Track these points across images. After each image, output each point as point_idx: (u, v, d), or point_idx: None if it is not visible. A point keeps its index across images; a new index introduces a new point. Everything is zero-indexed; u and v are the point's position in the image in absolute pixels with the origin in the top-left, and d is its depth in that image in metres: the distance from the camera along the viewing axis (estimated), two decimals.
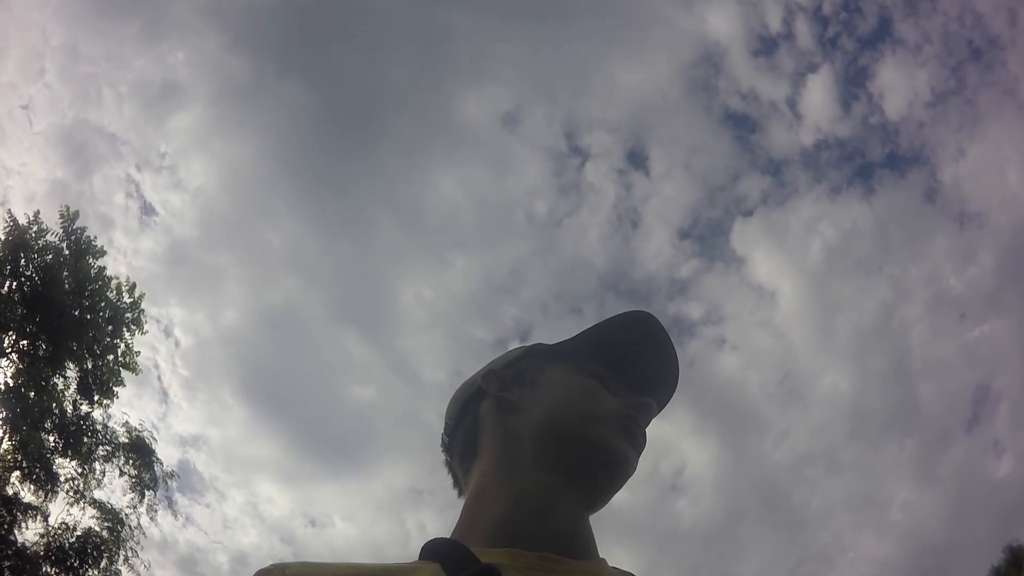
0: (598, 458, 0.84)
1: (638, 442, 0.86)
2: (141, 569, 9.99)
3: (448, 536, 0.82)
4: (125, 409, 11.70)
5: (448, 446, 0.94)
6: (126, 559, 9.88)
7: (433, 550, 0.78)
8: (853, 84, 24.04)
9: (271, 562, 0.76)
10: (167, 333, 20.88)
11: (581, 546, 0.81)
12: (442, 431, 0.95)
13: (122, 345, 11.79)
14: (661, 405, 0.95)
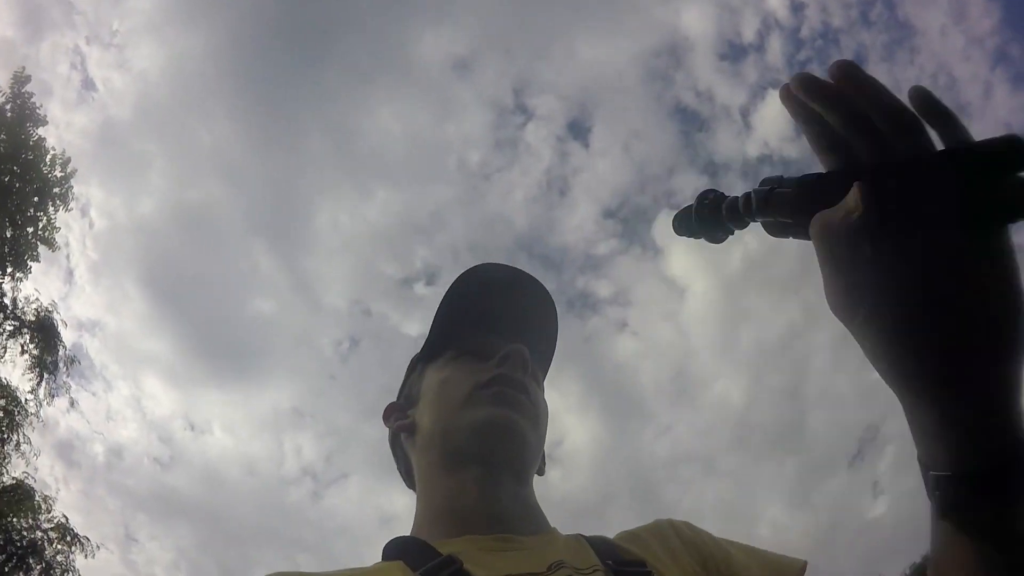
0: (484, 437, 0.85)
1: (505, 397, 0.87)
2: (31, 456, 9.81)
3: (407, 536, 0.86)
4: (32, 286, 11.32)
5: (409, 484, 0.97)
6: (18, 444, 9.68)
7: (395, 548, 0.81)
8: None
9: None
10: (83, 213, 20.17)
11: (531, 521, 0.84)
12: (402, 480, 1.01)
13: (44, 219, 11.39)
14: (535, 334, 0.97)
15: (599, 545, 0.82)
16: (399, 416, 0.97)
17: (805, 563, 0.85)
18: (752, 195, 0.49)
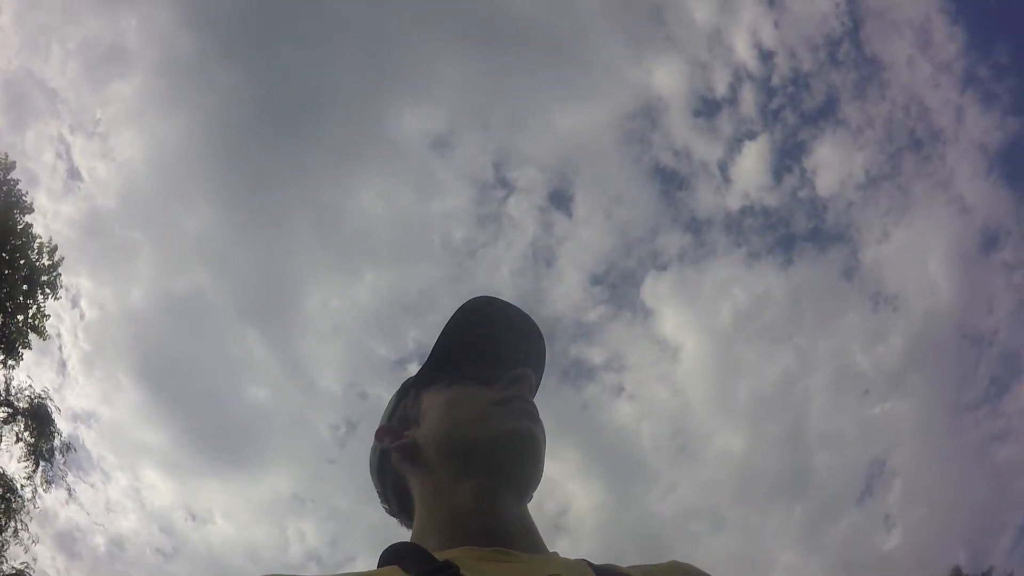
0: (499, 447, 0.87)
1: (524, 411, 0.89)
2: (29, 544, 9.48)
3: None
4: (25, 373, 11.14)
5: (390, 510, 0.98)
6: (15, 531, 9.37)
7: (391, 554, 0.81)
8: (788, 157, 24.09)
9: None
10: (74, 303, 20.22)
11: (531, 541, 0.85)
12: (379, 502, 1.01)
13: (34, 307, 11.25)
14: (534, 364, 0.99)
15: (604, 573, 0.82)
16: (394, 437, 0.96)
17: None
18: None
